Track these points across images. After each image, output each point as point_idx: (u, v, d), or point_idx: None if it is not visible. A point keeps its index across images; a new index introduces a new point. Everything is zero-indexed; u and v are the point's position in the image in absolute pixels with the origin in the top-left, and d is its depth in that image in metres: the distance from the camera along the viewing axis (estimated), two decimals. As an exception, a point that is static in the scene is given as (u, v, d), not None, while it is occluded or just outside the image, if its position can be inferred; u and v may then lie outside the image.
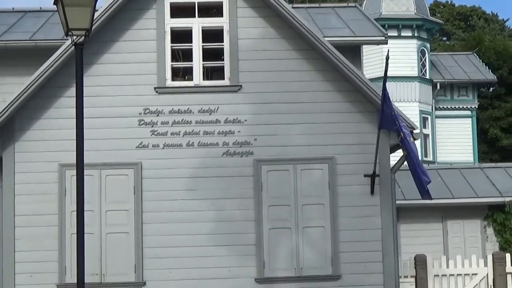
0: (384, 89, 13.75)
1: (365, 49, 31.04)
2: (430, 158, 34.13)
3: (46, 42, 17.43)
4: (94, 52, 14.82)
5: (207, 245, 14.58)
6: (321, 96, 15.00)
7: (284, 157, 14.81)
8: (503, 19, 59.59)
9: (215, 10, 15.32)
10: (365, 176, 14.76)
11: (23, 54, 17.62)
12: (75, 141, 10.53)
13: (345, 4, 22.11)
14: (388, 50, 14.38)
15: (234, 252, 14.58)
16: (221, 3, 15.15)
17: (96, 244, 14.43)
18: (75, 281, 10.92)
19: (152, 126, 14.83)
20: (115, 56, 14.99)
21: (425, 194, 13.84)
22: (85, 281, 10.45)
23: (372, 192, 14.80)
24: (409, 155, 13.59)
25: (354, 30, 19.06)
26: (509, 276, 17.35)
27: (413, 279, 16.80)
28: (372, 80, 27.49)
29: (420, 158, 31.32)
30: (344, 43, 18.10)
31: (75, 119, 10.61)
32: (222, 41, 15.08)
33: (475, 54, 39.16)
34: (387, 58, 13.70)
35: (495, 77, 38.28)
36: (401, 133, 13.43)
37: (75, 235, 10.70)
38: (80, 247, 10.71)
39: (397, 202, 15.63)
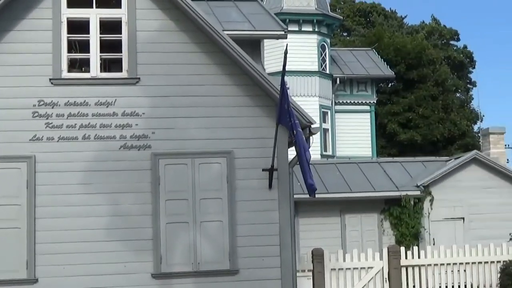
0: (283, 83, 13.76)
1: (267, 43, 31.17)
2: (329, 152, 34.52)
3: None
4: (-13, 41, 14.41)
5: (103, 240, 14.35)
6: (220, 89, 14.95)
7: (182, 150, 14.71)
8: (402, 16, 60.74)
9: (114, 1, 15.06)
10: (263, 170, 14.76)
11: None
12: None
13: (245, -2, 22.12)
14: (287, 44, 14.48)
15: (131, 247, 14.39)
16: (120, -6, 14.92)
17: (-15, 241, 14.03)
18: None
19: (47, 119, 14.48)
20: (9, 46, 14.56)
21: (311, 193, 13.80)
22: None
23: (270, 186, 14.83)
24: (300, 153, 13.59)
25: (254, 24, 19.09)
26: (403, 269, 17.68)
27: (310, 273, 16.94)
28: (274, 74, 27.65)
29: (319, 152, 31.86)
30: (244, 37, 18.12)
31: None
32: (120, 33, 14.85)
33: (374, 50, 39.80)
34: (286, 52, 13.74)
35: (393, 73, 39.06)
36: (294, 131, 13.47)
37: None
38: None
39: (295, 196, 15.70)
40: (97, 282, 14.25)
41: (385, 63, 38.90)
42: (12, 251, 14.11)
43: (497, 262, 18.19)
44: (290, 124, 13.48)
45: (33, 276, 14.16)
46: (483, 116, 54.29)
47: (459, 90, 52.10)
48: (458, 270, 18.33)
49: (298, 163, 14.05)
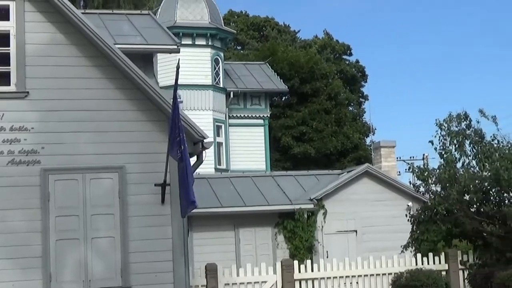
0: (175, 98, 13.71)
1: (161, 57, 31.04)
2: (223, 166, 34.57)
3: None
4: None
5: (-11, 258, 13.97)
6: (111, 104, 14.81)
7: (73, 166, 14.49)
8: (295, 30, 61.42)
9: (2, 13, 14.74)
10: (155, 185, 14.68)
11: None
12: None
13: (138, 12, 22.01)
14: (179, 59, 14.43)
15: (19, 265, 14.03)
16: (8, 6, 14.61)
17: None
18: None
19: None
20: None
21: (186, 211, 13.76)
22: None
23: (163, 201, 14.75)
24: (185, 169, 13.50)
25: (146, 38, 19.01)
26: (297, 283, 17.81)
27: (204, 288, 16.89)
28: (168, 88, 27.47)
29: (213, 166, 31.85)
30: (136, 51, 18.05)
31: None
32: (8, 46, 14.55)
33: (267, 64, 40.12)
34: (178, 67, 13.71)
35: (287, 87, 39.45)
36: (182, 146, 13.43)
37: None
38: None
39: (189, 211, 15.62)
40: (-16, 301, 13.87)
41: (279, 77, 39.26)
42: None
43: (389, 274, 18.54)
44: (178, 139, 13.42)
45: None
46: (375, 129, 55.29)
47: (352, 104, 53.05)
48: (351, 283, 18.58)
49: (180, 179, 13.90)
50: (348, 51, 57.55)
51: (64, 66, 14.74)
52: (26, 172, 14.32)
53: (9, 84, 14.57)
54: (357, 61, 57.32)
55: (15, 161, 14.29)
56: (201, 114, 33.20)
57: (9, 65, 14.57)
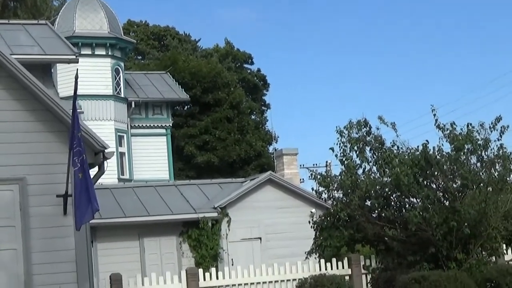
0: (74, 108, 13.65)
1: (60, 67, 30.80)
2: (126, 176, 34.45)
3: None
4: None
5: None
6: (10, 115, 14.61)
7: (-29, 178, 14.26)
8: (195, 39, 61.58)
9: None
10: (57, 196, 14.57)
11: None
12: None
13: (35, 22, 21.80)
14: (77, 69, 14.43)
15: None
16: None
17: None
18: None
19: None
20: None
21: (82, 221, 13.74)
22: None
23: (65, 212, 14.65)
24: (84, 179, 13.47)
25: (44, 48, 18.87)
26: (197, 290, 17.90)
27: (109, 300, 16.83)
28: (68, 98, 27.15)
29: (116, 176, 31.71)
30: (34, 61, 17.91)
31: None
32: None
33: (168, 73, 40.20)
34: (76, 77, 13.67)
35: (188, 96, 39.58)
36: (82, 155, 13.40)
37: None
38: None
39: (92, 221, 15.54)
40: None
41: (180, 86, 39.38)
42: None
43: (293, 280, 18.74)
44: (77, 149, 13.38)
45: None
46: (278, 137, 55.87)
47: (254, 112, 53.51)
48: (257, 290, 18.73)
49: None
50: (250, 60, 58.05)
51: (-43, 78, 14.52)
52: None
53: None
54: (259, 70, 57.90)
55: None
56: (102, 124, 33.02)
57: None
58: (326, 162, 56.15)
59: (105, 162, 14.99)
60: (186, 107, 47.53)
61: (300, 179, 33.82)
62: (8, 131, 14.59)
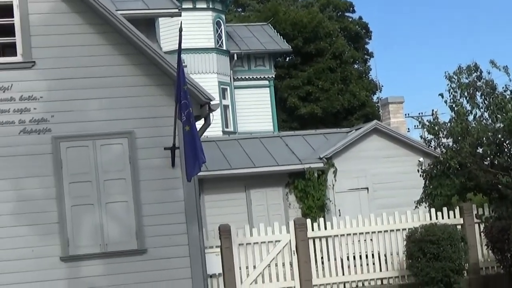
0: (179, 61, 13.79)
1: (162, 21, 31.05)
2: (230, 128, 34.67)
3: None
4: None
5: (8, 226, 14.18)
6: (117, 70, 14.91)
7: (83, 133, 14.63)
8: (296, -10, 60.98)
9: (4, -15, 14.80)
10: (165, 149, 14.81)
11: None
12: None
13: (137, -23, 22.01)
14: (181, 22, 14.54)
15: (37, 232, 14.28)
16: (9, -23, 14.67)
17: None
18: None
19: None
20: None
21: (191, 175, 13.88)
22: None
23: (173, 164, 14.89)
24: (191, 131, 13.61)
25: (147, 3, 19.05)
26: (310, 241, 17.93)
27: (218, 249, 17.05)
28: (171, 52, 27.53)
29: (221, 129, 31.99)
30: (138, 16, 18.11)
31: None
32: (12, 17, 14.61)
33: (270, 25, 40.03)
34: (180, 30, 13.78)
35: (290, 47, 39.37)
36: (189, 108, 13.52)
37: None
38: None
39: (200, 173, 15.76)
40: (7, 268, 14.10)
41: (282, 37, 39.19)
42: None
43: (403, 229, 18.51)
44: (184, 102, 13.51)
45: None
46: (382, 86, 55.10)
47: (357, 62, 52.89)
48: (365, 240, 18.61)
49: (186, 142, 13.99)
50: (351, 8, 57.19)
51: (68, 34, 14.81)
52: (38, 141, 14.49)
53: (15, 55, 14.68)
54: (360, 18, 57.00)
55: (26, 130, 14.46)
56: (205, 77, 33.22)
57: (14, 36, 14.68)
58: (432, 110, 54.94)
59: (210, 114, 15.12)
60: (288, 58, 47.38)
61: (406, 129, 33.29)
62: (115, 85, 14.88)
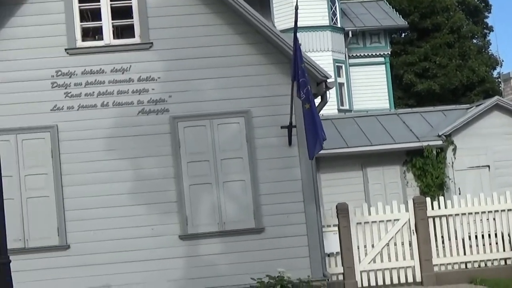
0: (295, 39, 13.76)
1: (276, 0, 31.03)
2: (346, 106, 34.45)
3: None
4: (2, 15, 14.53)
5: (129, 205, 14.55)
6: (233, 49, 15.00)
7: (200, 112, 14.80)
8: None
9: (122, -32, 15.10)
10: (282, 127, 14.83)
11: None
12: None
13: (253, -45, 21.99)
14: (297, 0, 14.40)
15: (156, 210, 14.57)
16: (126, -41, 14.95)
17: (17, 210, 14.29)
18: (-2, 248, 10.83)
19: (66, 88, 14.65)
20: (24, 19, 14.73)
21: (312, 153, 13.81)
22: (8, 248, 10.36)
23: (290, 143, 14.90)
24: (310, 109, 13.56)
25: (263, -19, 19.02)
26: (430, 220, 17.64)
27: (336, 228, 16.97)
28: (283, 31, 27.53)
29: (336, 107, 31.80)
30: (252, -6, 18.03)
31: None
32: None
33: (385, 0, 39.46)
34: (296, 8, 13.73)
35: (406, 23, 38.71)
36: (307, 86, 13.47)
37: (-5, 201, 10.61)
38: (1, 214, 10.60)
39: (316, 151, 15.72)
40: (127, 245, 14.49)
41: (397, 13, 38.60)
42: (44, 219, 14.39)
43: (528, 208, 17.99)
44: (302, 80, 13.47)
45: (65, 242, 14.44)
46: (503, 61, 53.74)
47: (476, 36, 51.55)
48: (487, 219, 18.14)
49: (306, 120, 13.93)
50: (469, -19, 55.80)
51: (184, 15, 15.00)
52: (156, 121, 14.75)
53: (133, 36, 14.98)
54: (479, -9, 55.54)
55: (145, 111, 14.74)
56: (320, 55, 33.04)
57: (132, 18, 14.96)
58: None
59: (327, 92, 15.04)
60: (404, 34, 46.64)
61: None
62: (232, 65, 14.98)
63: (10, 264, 10.69)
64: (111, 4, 14.91)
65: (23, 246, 14.33)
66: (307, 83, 13.50)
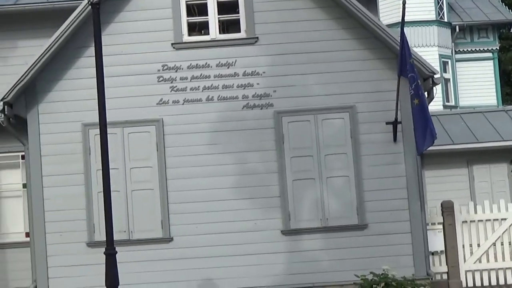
0: (402, 34, 13.58)
1: (381, -5, 30.76)
2: (452, 102, 33.84)
3: (63, 3, 17.53)
4: (110, 10, 14.80)
5: (231, 199, 14.64)
6: (339, 44, 14.90)
7: (304, 107, 14.77)
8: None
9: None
10: (387, 123, 14.68)
11: (42, 16, 17.73)
12: (96, 100, 10.83)
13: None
14: (405, -6, 14.20)
15: (259, 205, 14.61)
16: (234, -45, 15.02)
17: (122, 202, 14.55)
18: (104, 238, 11.11)
19: (172, 82, 14.83)
20: (131, 14, 14.98)
21: (422, 148, 13.60)
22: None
23: (394, 139, 14.73)
24: (420, 105, 13.37)
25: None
26: (540, 220, 17.15)
27: (440, 226, 16.68)
28: (388, 26, 27.18)
29: (441, 103, 31.31)
30: (359, -10, 17.88)
31: (95, 79, 10.81)
32: (237, -5, 15.01)
33: (493, -6, 38.55)
34: (404, 2, 13.56)
35: (515, 17, 37.72)
36: (416, 81, 13.28)
37: (102, 193, 10.87)
38: (108, 206, 10.84)
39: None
40: (229, 240, 14.59)
41: (507, 7, 37.66)
42: (148, 212, 14.62)
43: None
44: (411, 75, 13.29)
45: (168, 235, 14.62)
46: None
47: None
48: None
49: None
50: None
51: (290, 10, 14.98)
52: (260, 115, 14.79)
53: (239, 31, 15.05)
54: None
55: (249, 105, 14.79)
56: (426, 50, 32.50)
57: (238, 13, 15.04)
58: None
59: (434, 88, 14.79)
60: (512, 29, 45.48)
61: None
62: (337, 60, 14.89)
63: (116, 255, 10.92)
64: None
65: (127, 238, 14.58)
66: (416, 78, 13.33)
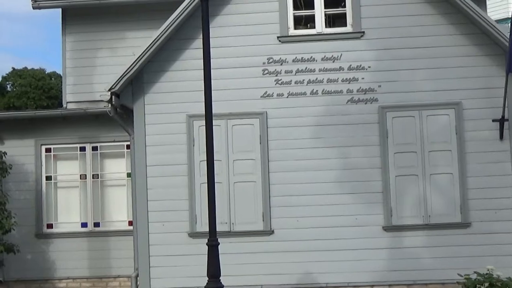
0: (512, 30, 13.30)
1: (490, -10, 30.05)
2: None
3: (172, -4, 17.72)
4: (217, 3, 14.93)
5: (334, 193, 14.60)
6: (445, 40, 14.70)
7: (409, 103, 14.63)
8: None
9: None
10: (493, 121, 14.43)
11: (149, 8, 18.03)
12: (201, 92, 11.07)
13: None
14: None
15: (361, 200, 14.55)
16: (346, -52, 14.98)
17: (224, 193, 14.67)
18: (205, 229, 11.30)
19: (276, 75, 14.88)
20: (236, 7, 15.07)
21: None
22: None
23: (501, 137, 14.47)
24: None
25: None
26: None
27: (549, 227, 16.26)
28: (496, 22, 26.63)
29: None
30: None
31: (201, 71, 11.06)
32: (344, -12, 14.98)
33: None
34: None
35: None
36: None
37: (204, 184, 11.02)
38: (211, 197, 10.96)
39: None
40: (330, 234, 14.56)
41: None
42: (249, 204, 14.70)
43: None
44: None
45: (269, 228, 14.68)
46: None
47: None
48: None
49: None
50: None
51: (397, 4, 14.84)
52: (364, 110, 14.71)
53: (345, 25, 15.00)
54: None
55: (353, 100, 14.73)
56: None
57: (345, 7, 15.00)
58: None
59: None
60: None
61: None
62: (443, 56, 14.70)
63: (218, 246, 11.05)
64: (324, -7, 15.03)
65: (229, 230, 14.70)
66: None
